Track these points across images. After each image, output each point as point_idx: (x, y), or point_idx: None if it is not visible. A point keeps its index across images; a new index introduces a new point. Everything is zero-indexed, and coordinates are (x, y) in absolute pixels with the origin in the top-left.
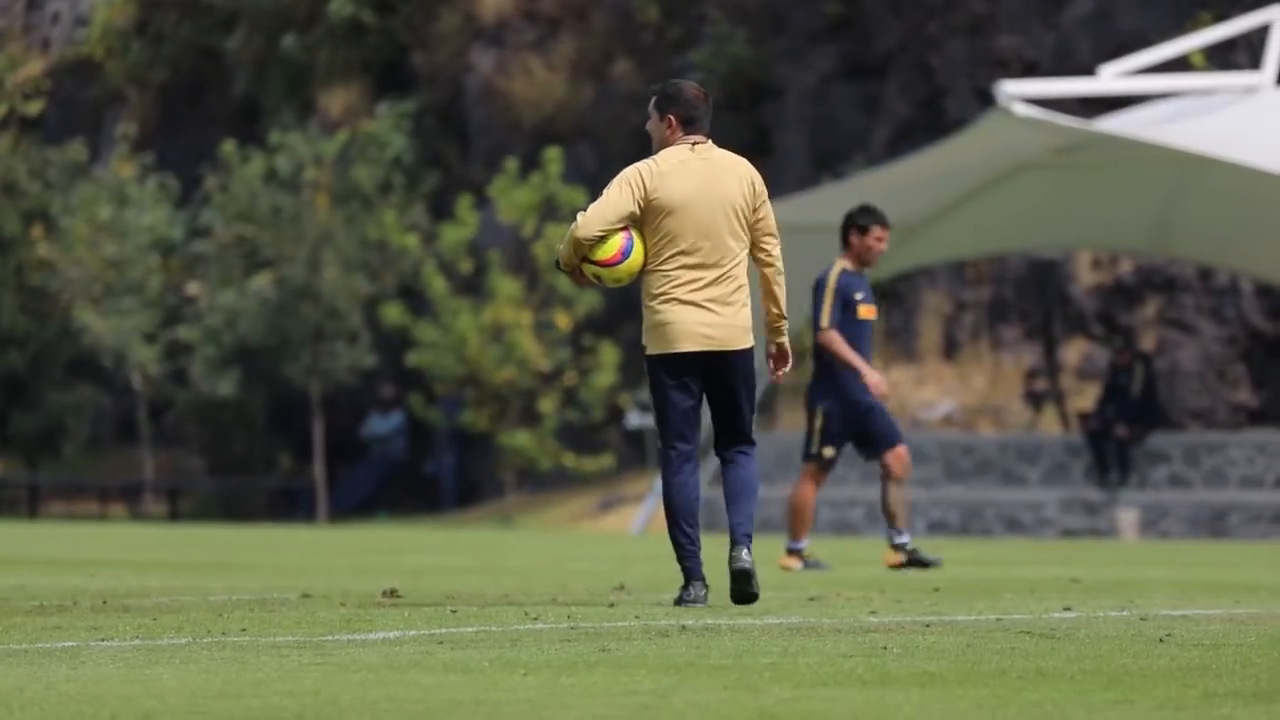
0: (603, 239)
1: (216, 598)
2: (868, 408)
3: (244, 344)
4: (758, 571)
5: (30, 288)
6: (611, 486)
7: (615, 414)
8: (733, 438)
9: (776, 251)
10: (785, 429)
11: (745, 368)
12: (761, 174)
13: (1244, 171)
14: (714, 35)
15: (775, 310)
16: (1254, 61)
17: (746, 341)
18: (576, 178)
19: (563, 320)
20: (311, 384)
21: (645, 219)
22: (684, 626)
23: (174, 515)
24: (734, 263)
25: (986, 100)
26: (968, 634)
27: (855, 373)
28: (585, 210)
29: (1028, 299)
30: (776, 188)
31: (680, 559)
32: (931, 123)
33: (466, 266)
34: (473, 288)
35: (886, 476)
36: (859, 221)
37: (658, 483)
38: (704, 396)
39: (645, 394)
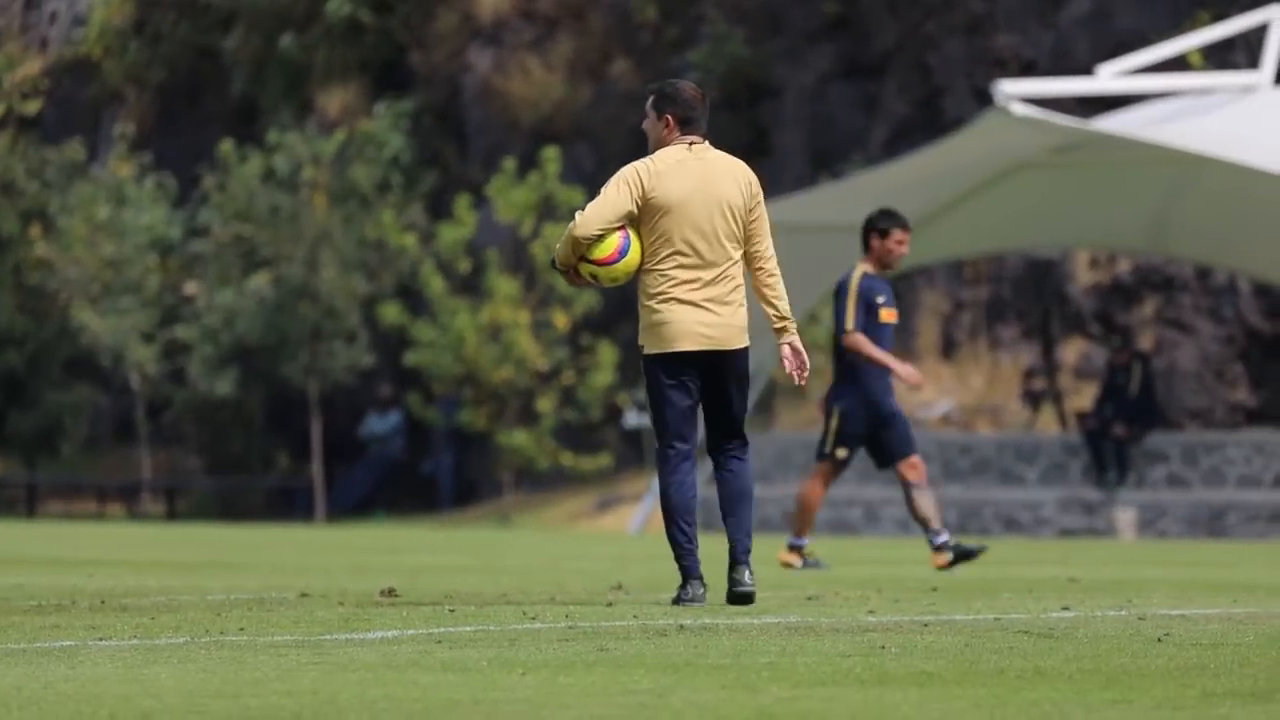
0: (600, 238)
1: (214, 597)
2: (890, 414)
3: (242, 343)
4: (755, 570)
5: (28, 287)
6: (609, 486)
7: (613, 413)
8: (726, 436)
9: (772, 252)
10: (784, 429)
11: (741, 367)
12: (759, 174)
13: (1242, 171)
14: (712, 35)
15: (775, 312)
16: (1252, 61)
17: (743, 341)
18: (574, 177)
19: (561, 320)
20: (309, 383)
21: (642, 218)
22: (682, 626)
23: (172, 515)
24: (730, 262)
25: (984, 100)
26: (966, 633)
27: (883, 374)
28: (583, 209)
29: (1026, 298)
30: (774, 187)
31: (678, 557)
32: (929, 122)
33: (464, 266)
34: (471, 287)
35: (907, 485)
36: (879, 225)
37: (655, 482)
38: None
39: (643, 393)
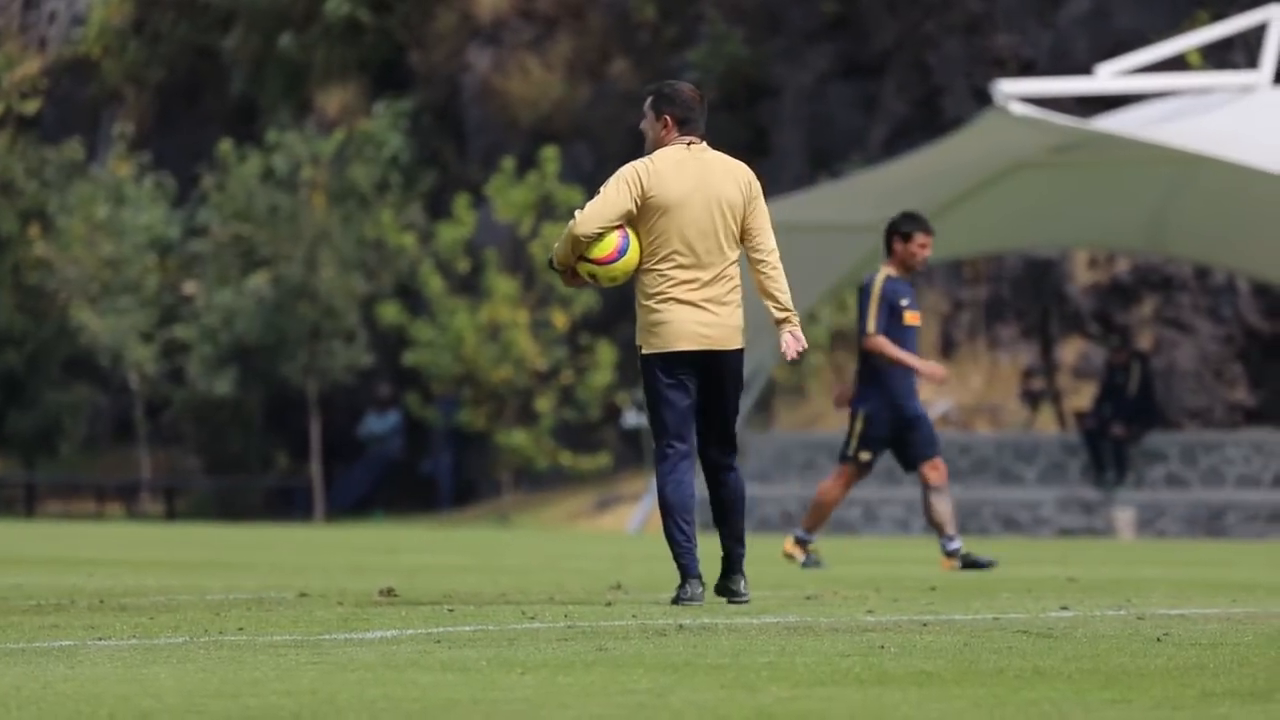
0: (599, 236)
1: (213, 597)
2: (914, 416)
3: (241, 343)
4: (748, 571)
5: (27, 287)
6: (608, 485)
7: (612, 413)
8: (717, 439)
9: (773, 246)
10: (783, 428)
11: (736, 368)
12: (758, 173)
13: (1241, 170)
14: (711, 34)
15: (776, 304)
16: (1251, 60)
17: (739, 342)
18: (573, 177)
19: (560, 319)
20: (308, 383)
21: (641, 218)
22: (681, 626)
23: (171, 514)
24: (728, 263)
25: (983, 99)
26: (965, 633)
27: (907, 376)
28: (582, 208)
29: (1024, 298)
30: (773, 187)
31: (676, 556)
32: (928, 122)
33: (463, 265)
34: (470, 287)
35: (927, 487)
36: (903, 229)
37: (654, 482)
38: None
39: (642, 393)
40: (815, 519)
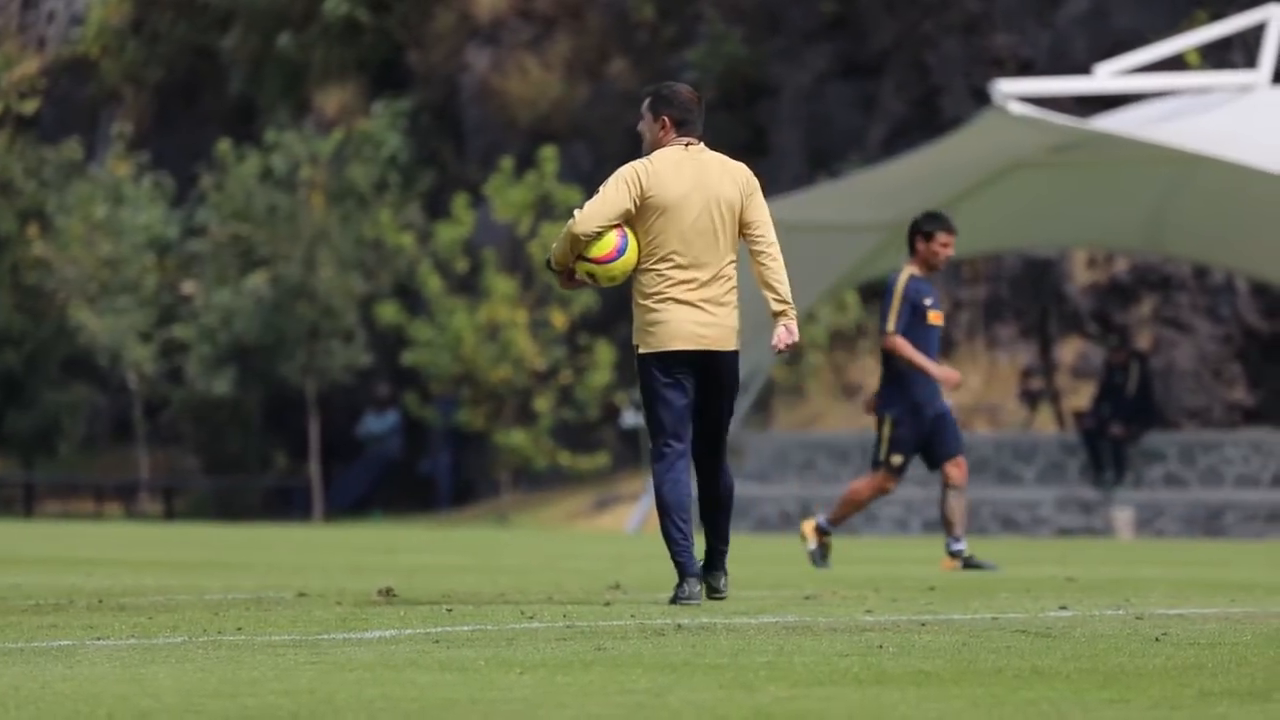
0: (598, 236)
1: (212, 596)
2: (937, 416)
3: (239, 343)
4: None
5: (26, 286)
6: (607, 485)
7: (611, 413)
8: (710, 439)
9: (773, 239)
10: (781, 428)
11: (731, 369)
12: (757, 173)
13: (1239, 170)
14: (709, 34)
15: (775, 296)
16: (1249, 60)
17: (735, 343)
18: (572, 176)
19: (558, 319)
20: (307, 383)
21: (639, 218)
22: (679, 625)
23: (169, 514)
24: (726, 263)
25: (982, 99)
26: (963, 633)
27: (924, 375)
28: (582, 207)
29: (1023, 298)
30: (772, 187)
31: (674, 555)
32: (927, 121)
33: (462, 265)
34: (468, 286)
35: (946, 485)
36: (924, 228)
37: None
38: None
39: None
40: (841, 513)
